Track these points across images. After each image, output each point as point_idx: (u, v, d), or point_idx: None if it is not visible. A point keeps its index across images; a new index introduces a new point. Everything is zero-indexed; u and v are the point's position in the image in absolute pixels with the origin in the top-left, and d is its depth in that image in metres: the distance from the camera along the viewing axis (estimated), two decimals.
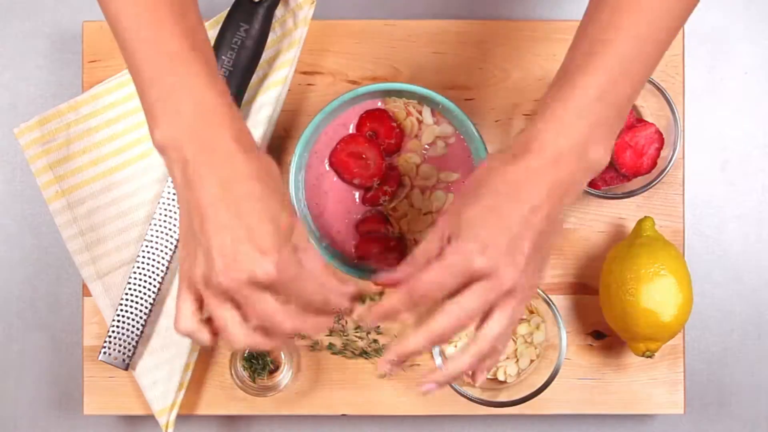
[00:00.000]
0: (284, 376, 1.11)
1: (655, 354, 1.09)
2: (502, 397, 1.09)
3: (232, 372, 1.10)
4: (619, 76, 0.82)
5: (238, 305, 0.81)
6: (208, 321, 0.84)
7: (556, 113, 0.82)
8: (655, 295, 1.05)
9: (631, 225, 1.13)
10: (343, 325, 1.13)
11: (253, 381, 1.11)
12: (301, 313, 0.83)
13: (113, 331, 1.10)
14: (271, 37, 1.11)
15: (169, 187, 1.09)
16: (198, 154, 0.80)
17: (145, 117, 0.82)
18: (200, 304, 0.83)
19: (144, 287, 1.09)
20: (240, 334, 0.82)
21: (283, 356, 1.11)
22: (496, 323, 0.84)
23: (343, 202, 1.08)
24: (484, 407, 1.09)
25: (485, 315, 0.84)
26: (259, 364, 1.11)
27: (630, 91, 0.83)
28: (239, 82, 1.08)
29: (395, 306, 0.84)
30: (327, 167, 1.08)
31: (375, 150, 1.06)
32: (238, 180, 0.79)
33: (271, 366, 1.12)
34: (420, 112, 1.08)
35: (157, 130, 0.81)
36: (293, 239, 0.82)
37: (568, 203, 0.84)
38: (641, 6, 0.82)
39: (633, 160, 1.07)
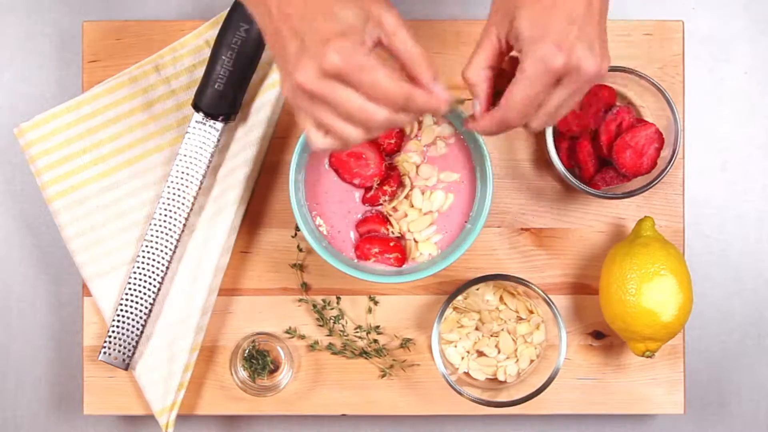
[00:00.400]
0: (284, 376, 1.11)
1: (655, 354, 1.09)
2: (502, 397, 1.09)
3: (232, 372, 1.10)
4: None
5: (324, 101, 0.81)
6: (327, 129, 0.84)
7: None
8: (655, 295, 1.05)
9: (631, 225, 1.13)
10: (342, 325, 1.13)
11: (253, 381, 1.11)
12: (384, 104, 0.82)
13: (113, 331, 1.10)
14: None
15: (169, 187, 1.09)
16: None
17: None
18: (318, 125, 0.83)
19: (144, 287, 1.09)
20: (345, 130, 0.82)
21: (282, 356, 1.11)
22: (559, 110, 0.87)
23: (343, 202, 1.08)
24: (484, 407, 1.09)
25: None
26: (259, 365, 1.11)
27: None
28: (239, 82, 1.08)
29: (491, 128, 0.87)
30: (327, 167, 1.08)
31: (375, 150, 1.06)
32: None
33: (271, 366, 1.12)
34: None
35: None
36: (373, 27, 0.81)
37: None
38: None
39: (633, 160, 1.07)
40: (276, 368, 1.12)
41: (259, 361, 1.11)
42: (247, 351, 1.11)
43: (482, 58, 0.88)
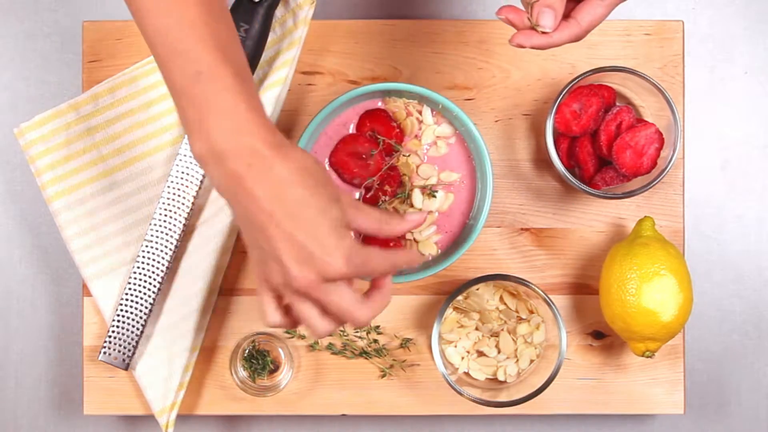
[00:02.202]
0: (284, 376, 1.11)
1: (655, 354, 1.09)
2: (502, 397, 1.09)
3: (232, 372, 1.10)
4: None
5: (316, 300, 0.84)
6: (288, 309, 0.87)
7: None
8: (655, 295, 1.05)
9: (631, 225, 1.13)
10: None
11: (253, 381, 1.11)
12: (374, 299, 0.87)
13: (113, 331, 1.10)
14: (271, 37, 1.11)
15: (169, 187, 1.09)
16: (240, 168, 0.81)
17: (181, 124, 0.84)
18: (279, 300, 0.87)
19: (144, 287, 1.09)
20: (321, 326, 0.86)
21: (282, 356, 1.11)
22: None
23: None
24: (484, 407, 1.09)
25: None
26: (259, 365, 1.11)
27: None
28: None
29: (564, 41, 0.88)
30: (327, 167, 1.08)
31: (375, 150, 1.06)
32: (285, 189, 0.81)
33: (271, 366, 1.12)
34: (420, 112, 1.08)
35: (194, 143, 0.82)
36: (348, 215, 0.85)
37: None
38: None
39: (633, 160, 1.07)
40: (276, 368, 1.12)
41: (259, 361, 1.11)
42: (247, 351, 1.11)
43: None
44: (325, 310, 0.85)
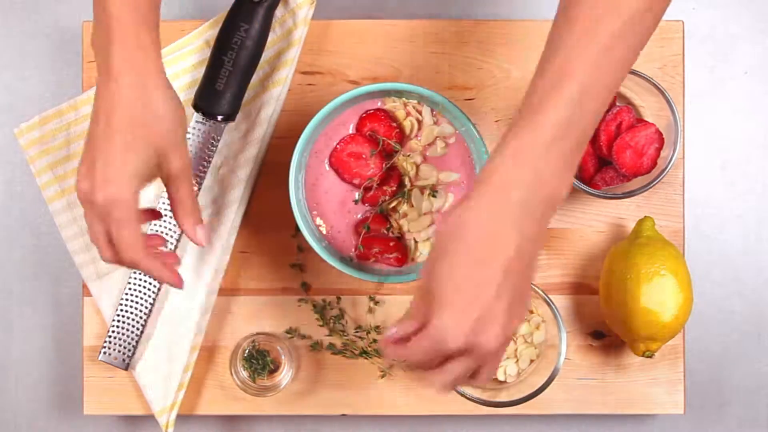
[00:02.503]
0: (284, 376, 1.11)
1: (655, 354, 1.09)
2: (502, 397, 1.09)
3: (232, 372, 1.10)
4: (582, 107, 0.82)
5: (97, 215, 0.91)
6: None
7: (518, 151, 0.82)
8: (655, 295, 1.05)
9: (631, 225, 1.13)
10: (343, 325, 1.13)
11: (253, 381, 1.11)
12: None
13: (113, 331, 1.10)
14: (271, 37, 1.11)
15: None
16: (102, 71, 0.90)
17: None
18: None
19: (144, 287, 1.09)
20: (103, 251, 0.92)
21: (282, 356, 1.11)
22: (478, 381, 0.87)
23: (343, 202, 1.08)
24: (484, 407, 1.09)
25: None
26: (259, 365, 1.11)
27: (592, 120, 0.83)
28: (239, 82, 1.08)
29: (395, 357, 0.88)
30: (327, 167, 1.08)
31: (375, 150, 1.07)
32: (115, 107, 0.89)
33: (271, 366, 1.12)
34: (420, 112, 1.08)
35: (92, 37, 0.92)
36: (160, 168, 0.92)
37: (540, 244, 0.84)
38: (598, 37, 0.82)
39: (633, 160, 1.07)
40: (276, 368, 1.12)
41: (259, 361, 1.11)
42: (247, 351, 1.11)
43: (412, 310, 0.87)
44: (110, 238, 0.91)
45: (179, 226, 0.97)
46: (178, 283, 0.95)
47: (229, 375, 1.11)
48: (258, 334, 1.11)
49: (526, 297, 0.86)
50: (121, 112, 0.89)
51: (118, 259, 0.92)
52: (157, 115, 0.90)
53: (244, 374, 1.11)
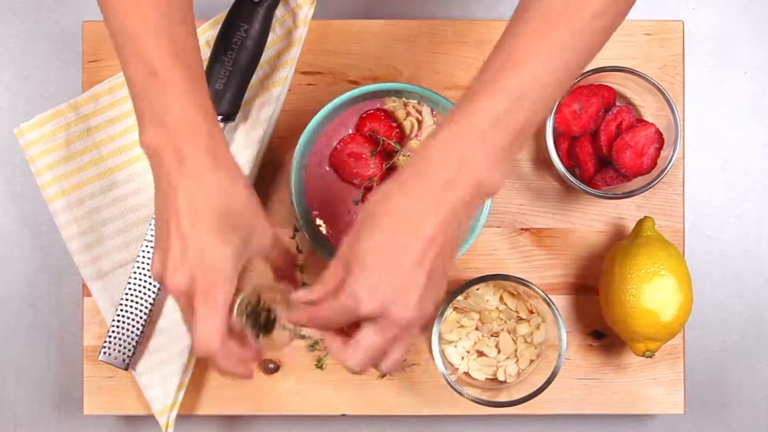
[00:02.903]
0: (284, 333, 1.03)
1: (655, 354, 1.09)
2: (502, 397, 1.09)
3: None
4: (521, 101, 0.82)
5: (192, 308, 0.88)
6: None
7: (451, 135, 0.83)
8: (655, 295, 1.05)
9: (631, 225, 1.13)
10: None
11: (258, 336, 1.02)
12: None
13: (113, 331, 1.10)
14: (271, 37, 1.11)
15: None
16: (171, 163, 0.86)
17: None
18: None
19: (144, 287, 1.09)
20: (195, 337, 0.88)
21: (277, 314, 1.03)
22: (390, 360, 0.88)
23: (343, 202, 1.08)
24: (484, 407, 1.09)
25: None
26: (263, 322, 1.03)
27: (531, 117, 0.83)
28: (239, 82, 1.08)
29: (303, 322, 0.89)
30: (327, 167, 1.08)
31: (375, 150, 1.07)
32: (201, 196, 0.86)
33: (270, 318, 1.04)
34: (420, 112, 1.08)
35: (142, 135, 0.87)
36: (255, 245, 0.90)
37: (463, 228, 0.85)
38: (553, 34, 0.82)
39: (633, 160, 1.07)
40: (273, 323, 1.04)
41: (261, 316, 1.00)
42: (250, 308, 1.00)
43: (328, 275, 0.88)
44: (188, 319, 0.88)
45: (286, 284, 0.97)
46: (249, 376, 0.93)
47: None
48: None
49: (444, 278, 0.87)
50: (206, 203, 0.86)
51: (197, 342, 0.88)
52: (240, 198, 0.88)
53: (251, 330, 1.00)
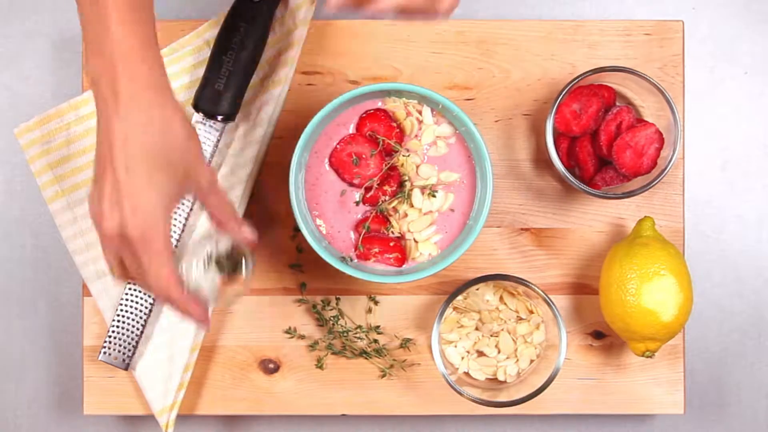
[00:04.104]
0: (246, 270, 1.00)
1: (655, 354, 1.09)
2: (502, 397, 1.09)
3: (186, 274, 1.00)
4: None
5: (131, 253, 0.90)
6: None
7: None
8: (655, 295, 1.05)
9: (631, 225, 1.13)
10: (342, 326, 1.13)
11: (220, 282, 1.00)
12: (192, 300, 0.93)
13: (113, 331, 1.10)
14: (271, 37, 1.11)
15: None
16: (109, 97, 0.87)
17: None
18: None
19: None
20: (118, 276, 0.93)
21: (243, 266, 1.01)
22: None
23: (343, 202, 1.08)
24: (484, 407, 1.09)
25: None
26: (229, 265, 1.00)
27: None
28: (239, 82, 1.08)
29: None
30: (327, 167, 1.08)
31: (375, 150, 1.07)
32: (135, 136, 0.87)
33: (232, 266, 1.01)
34: (420, 112, 1.08)
35: (86, 63, 0.89)
36: (189, 186, 0.91)
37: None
38: None
39: (633, 160, 1.07)
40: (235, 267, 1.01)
41: (229, 261, 1.01)
42: (216, 253, 1.00)
43: None
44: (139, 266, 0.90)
45: (230, 233, 0.96)
46: (207, 324, 0.95)
47: (228, 373, 1.11)
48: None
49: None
50: (140, 142, 0.87)
51: (154, 291, 0.91)
52: (175, 136, 0.89)
53: (212, 277, 1.00)
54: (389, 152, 1.08)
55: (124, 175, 0.87)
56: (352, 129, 1.08)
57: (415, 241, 1.08)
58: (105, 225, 0.88)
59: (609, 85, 1.10)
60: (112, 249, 0.90)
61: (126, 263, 0.91)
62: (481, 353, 1.11)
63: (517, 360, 1.11)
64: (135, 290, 1.10)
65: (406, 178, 1.08)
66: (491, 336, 1.11)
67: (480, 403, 1.08)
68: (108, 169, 0.87)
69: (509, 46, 1.14)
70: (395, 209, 1.08)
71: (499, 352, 1.11)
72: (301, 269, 1.13)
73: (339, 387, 1.13)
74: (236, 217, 0.96)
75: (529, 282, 1.08)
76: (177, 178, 0.89)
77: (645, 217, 1.10)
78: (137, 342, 1.10)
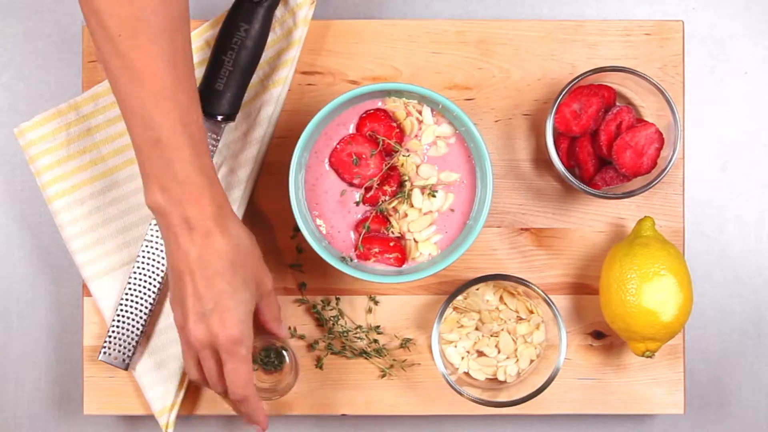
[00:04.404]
0: (289, 375, 1.10)
1: (655, 354, 1.09)
2: (502, 397, 1.09)
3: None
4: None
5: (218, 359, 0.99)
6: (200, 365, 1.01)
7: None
8: (655, 295, 1.05)
9: (631, 225, 1.13)
10: (342, 326, 1.13)
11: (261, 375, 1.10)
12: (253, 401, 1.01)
13: (113, 331, 1.10)
14: (271, 37, 1.11)
15: None
16: (180, 227, 0.94)
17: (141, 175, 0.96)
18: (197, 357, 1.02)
19: (144, 287, 1.09)
20: (215, 384, 1.00)
21: (286, 356, 1.10)
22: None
23: (343, 202, 1.08)
24: (484, 407, 1.09)
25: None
26: (272, 360, 1.10)
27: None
28: (239, 82, 1.08)
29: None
30: (327, 167, 1.08)
31: (375, 150, 1.07)
32: (212, 258, 0.95)
33: (277, 364, 1.10)
34: (420, 112, 1.08)
35: (148, 194, 0.95)
36: (256, 298, 1.00)
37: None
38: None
39: (633, 160, 1.07)
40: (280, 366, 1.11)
41: (271, 356, 1.10)
42: (262, 349, 1.11)
43: None
44: (221, 372, 0.99)
45: (269, 330, 1.05)
46: (266, 422, 1.03)
47: None
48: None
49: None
50: (216, 256, 0.95)
51: (232, 391, 0.99)
52: (245, 246, 0.97)
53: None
54: (389, 152, 1.08)
55: (206, 292, 0.95)
56: (352, 129, 1.08)
57: (415, 241, 1.08)
58: (193, 336, 0.97)
59: (609, 85, 1.10)
60: (194, 354, 0.99)
61: (204, 367, 0.99)
62: (481, 353, 1.11)
63: (517, 360, 1.11)
64: (135, 290, 1.10)
65: (406, 178, 1.08)
66: (491, 336, 1.11)
67: (480, 403, 1.08)
68: (189, 288, 0.96)
69: (509, 46, 1.14)
70: (395, 209, 1.08)
71: (499, 352, 1.11)
72: (301, 269, 1.13)
73: (339, 387, 1.13)
74: (280, 318, 1.05)
75: (529, 282, 1.08)
76: (251, 288, 0.98)
77: (645, 217, 1.10)
78: (137, 342, 1.10)
